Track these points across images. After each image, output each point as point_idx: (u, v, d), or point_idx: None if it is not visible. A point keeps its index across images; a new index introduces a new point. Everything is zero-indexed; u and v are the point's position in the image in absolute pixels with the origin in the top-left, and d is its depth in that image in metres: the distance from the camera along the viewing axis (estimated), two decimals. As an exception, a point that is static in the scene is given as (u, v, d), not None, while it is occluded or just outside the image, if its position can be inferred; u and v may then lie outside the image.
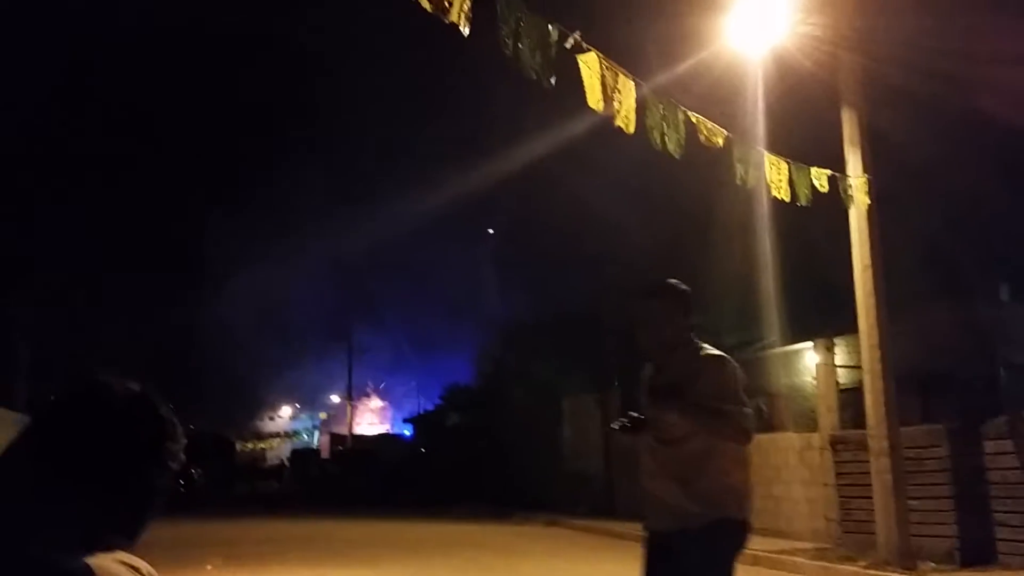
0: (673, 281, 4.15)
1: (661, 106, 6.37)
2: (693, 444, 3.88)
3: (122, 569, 1.30)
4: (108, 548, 1.32)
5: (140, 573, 1.33)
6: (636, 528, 15.31)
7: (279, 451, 69.77)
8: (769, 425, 15.37)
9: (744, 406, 3.97)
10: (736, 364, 4.10)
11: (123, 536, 1.38)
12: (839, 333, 12.95)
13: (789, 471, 13.96)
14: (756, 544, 12.56)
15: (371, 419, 61.75)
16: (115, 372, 1.52)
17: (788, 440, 14.18)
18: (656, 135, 6.30)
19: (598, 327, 24.52)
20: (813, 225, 13.56)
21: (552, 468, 23.19)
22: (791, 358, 15.12)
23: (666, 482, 3.95)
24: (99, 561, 1.26)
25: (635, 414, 4.01)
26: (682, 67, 9.72)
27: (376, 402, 64.61)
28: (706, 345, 4.11)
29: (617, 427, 3.99)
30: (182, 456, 1.50)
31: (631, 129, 5.85)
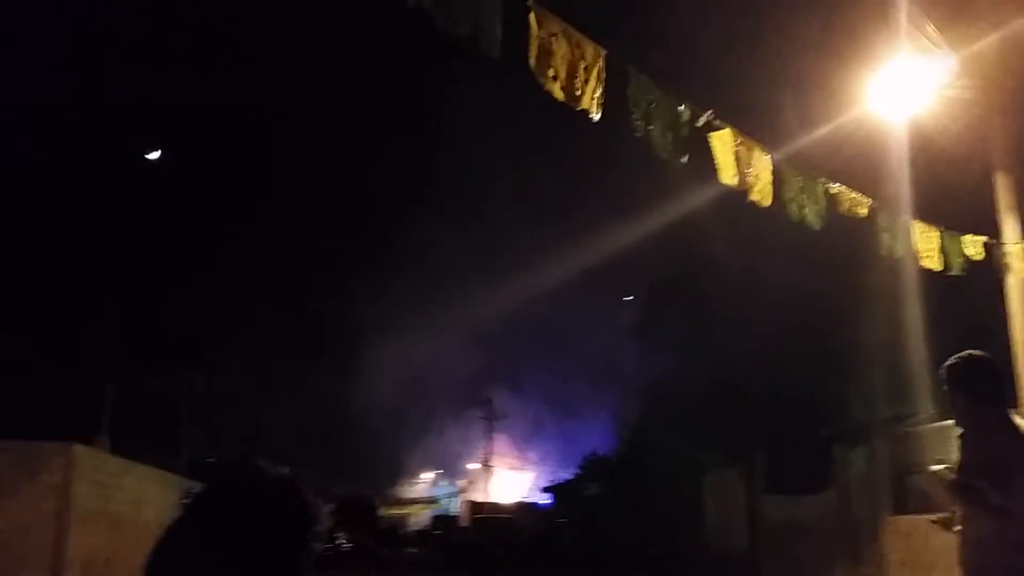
0: (954, 359, 4.09)
1: (799, 178, 6.29)
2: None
3: None
4: None
5: None
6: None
7: (420, 518, 70.52)
8: (929, 505, 14.44)
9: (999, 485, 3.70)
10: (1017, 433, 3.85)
11: None
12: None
13: (949, 555, 13.00)
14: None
15: (511, 484, 61.64)
16: (270, 452, 1.65)
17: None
18: (795, 207, 6.21)
19: (741, 397, 23.85)
20: (971, 294, 12.87)
21: (694, 545, 22.45)
22: (949, 433, 14.21)
23: None
24: None
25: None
26: (823, 133, 9.56)
27: (519, 469, 64.54)
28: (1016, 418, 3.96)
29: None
30: (324, 535, 1.61)
31: (767, 203, 5.80)
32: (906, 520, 14.42)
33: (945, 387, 4.02)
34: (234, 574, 1.47)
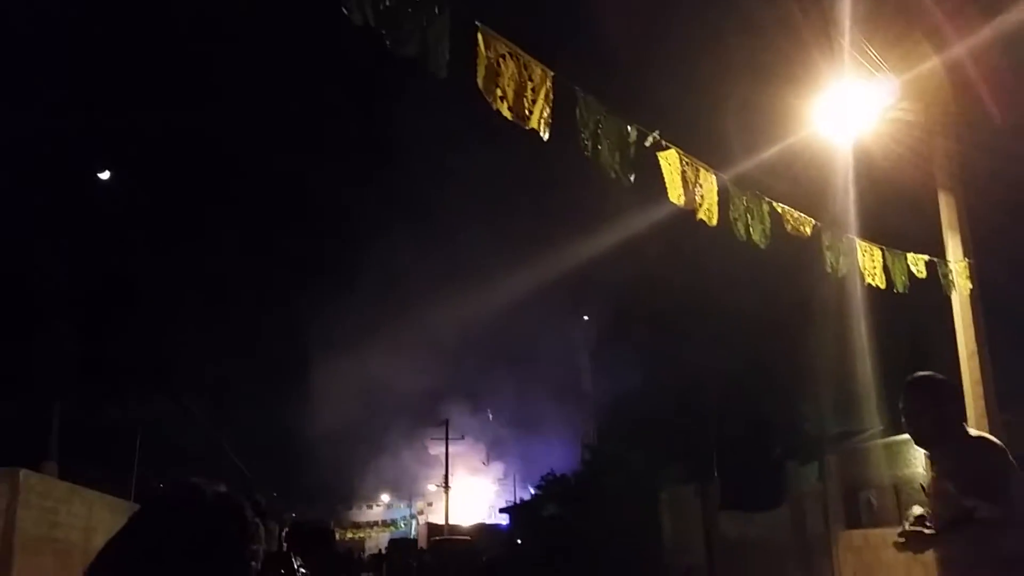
0: (930, 377, 4.15)
1: (745, 198, 6.42)
2: None
3: None
4: None
5: None
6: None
7: (377, 541, 69.77)
8: (879, 519, 14.68)
9: (993, 499, 3.69)
10: (1001, 448, 3.94)
11: None
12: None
13: (901, 568, 13.25)
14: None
15: (470, 505, 61.30)
16: (223, 477, 1.65)
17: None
18: (740, 227, 6.33)
19: (697, 416, 24.04)
20: (916, 312, 13.16)
21: (651, 561, 22.53)
22: (900, 448, 14.47)
23: None
24: None
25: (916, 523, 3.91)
26: (768, 154, 9.75)
27: (477, 490, 64.16)
28: (972, 431, 4.07)
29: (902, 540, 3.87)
30: (261, 554, 1.61)
31: (714, 222, 5.91)
32: (858, 534, 14.65)
33: (921, 405, 4.03)
34: None
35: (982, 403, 9.99)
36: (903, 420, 4.17)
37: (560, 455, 51.93)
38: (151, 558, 1.51)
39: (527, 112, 4.29)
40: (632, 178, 5.04)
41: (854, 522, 14.99)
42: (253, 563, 1.61)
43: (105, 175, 29.22)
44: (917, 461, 13.57)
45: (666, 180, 5.56)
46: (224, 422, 33.71)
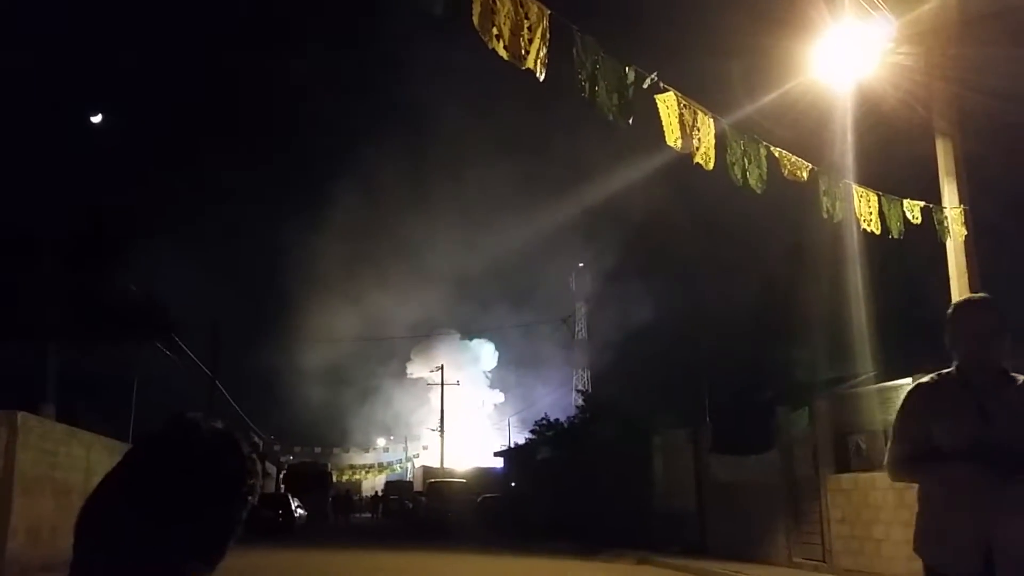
0: (988, 301, 3.85)
1: (742, 142, 6.38)
2: None
3: None
4: (189, 573, 1.44)
5: None
6: (731, 568, 14.97)
7: (374, 483, 70.73)
8: (869, 463, 14.89)
9: None
10: None
11: (202, 563, 1.51)
12: (938, 369, 12.50)
13: (890, 512, 13.48)
14: (854, 587, 12.16)
15: (465, 448, 61.98)
16: (206, 410, 1.66)
17: (886, 480, 13.67)
18: (737, 171, 6.30)
19: (690, 362, 24.24)
20: (911, 258, 13.20)
21: (642, 505, 22.88)
22: (890, 394, 14.61)
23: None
24: None
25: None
26: (768, 100, 9.66)
27: (473, 434, 64.74)
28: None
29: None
30: (259, 490, 1.61)
31: (711, 166, 5.88)
32: (847, 478, 14.86)
33: (1000, 324, 3.65)
34: (166, 526, 1.47)
35: (973, 349, 10.06)
36: (969, 343, 3.71)
37: (554, 400, 52.45)
38: (148, 492, 1.50)
39: (523, 52, 4.23)
40: (630, 121, 5.00)
41: (843, 466, 15.20)
42: (251, 498, 1.61)
43: (97, 118, 28.89)
44: (907, 406, 13.71)
45: (663, 123, 5.52)
46: (220, 366, 33.89)
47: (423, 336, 67.53)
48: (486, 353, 69.38)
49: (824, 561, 15.01)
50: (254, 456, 1.64)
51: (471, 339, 68.10)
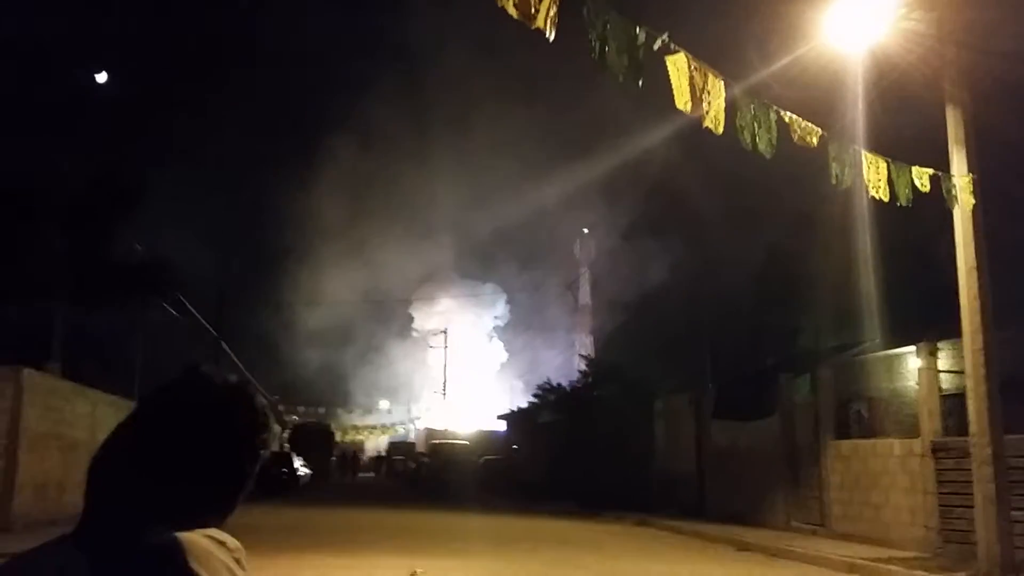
0: None
1: (752, 106, 6.33)
2: None
3: (210, 544, 1.40)
4: (200, 525, 1.44)
5: (226, 547, 1.43)
6: (727, 531, 15.08)
7: (377, 443, 71.27)
8: (869, 431, 14.96)
9: None
10: None
11: (214, 515, 1.50)
12: (943, 337, 12.52)
13: (889, 478, 13.57)
14: (854, 551, 12.28)
15: (468, 410, 62.30)
16: (217, 365, 1.66)
17: (888, 446, 13.77)
18: (747, 135, 6.26)
19: (694, 328, 24.26)
20: (918, 225, 13.13)
21: (643, 468, 23.06)
22: (893, 362, 14.66)
23: None
24: (188, 536, 1.37)
25: None
26: (779, 65, 9.56)
27: (476, 396, 64.94)
28: None
29: None
30: (272, 444, 1.61)
31: (720, 130, 5.83)
32: (847, 444, 14.94)
33: None
34: (178, 478, 1.47)
35: (978, 318, 10.06)
36: None
37: (558, 365, 52.59)
38: (160, 444, 1.50)
39: (533, 11, 4.18)
40: (640, 83, 4.95)
41: (843, 433, 15.28)
42: (263, 452, 1.62)
43: (102, 77, 28.69)
44: (909, 374, 13.76)
45: (673, 85, 5.46)
46: (224, 326, 33.99)
47: (427, 283, 67.33)
48: (495, 300, 69.27)
49: (822, 525, 15.14)
50: (267, 411, 1.64)
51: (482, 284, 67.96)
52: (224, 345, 33.92)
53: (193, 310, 29.16)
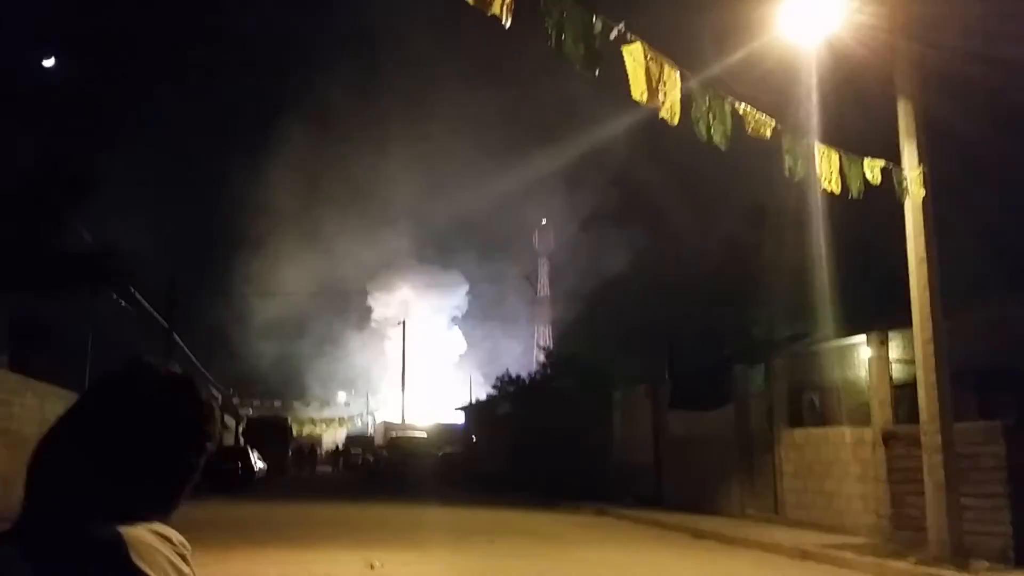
0: None
1: (707, 97, 6.36)
2: None
3: (153, 538, 1.36)
4: (144, 519, 1.40)
5: (171, 542, 1.39)
6: (684, 519, 15.20)
7: (335, 436, 70.84)
8: (822, 420, 15.20)
9: None
10: None
11: (159, 509, 1.46)
12: (894, 327, 12.74)
13: (841, 466, 13.80)
14: (806, 538, 12.47)
15: (426, 403, 62.20)
16: (163, 357, 1.61)
17: (840, 435, 14.01)
18: (702, 127, 6.29)
19: (652, 320, 24.45)
20: (868, 215, 13.34)
21: (601, 459, 23.20)
22: (845, 352, 14.90)
23: None
24: (132, 530, 1.33)
25: None
26: (734, 57, 9.62)
27: (434, 388, 64.81)
28: None
29: None
30: (218, 437, 1.57)
31: (675, 121, 5.85)
32: (800, 433, 15.17)
33: None
34: (121, 471, 1.42)
35: (928, 308, 10.25)
36: None
37: (516, 357, 52.74)
38: (102, 436, 1.45)
39: (490, -2, 4.15)
40: (597, 72, 4.94)
41: (797, 422, 15.51)
42: (208, 445, 1.57)
43: (50, 62, 28.04)
44: (861, 364, 14.00)
45: (629, 75, 5.46)
46: (176, 318, 33.47)
47: (385, 270, 66.87)
48: (454, 290, 69.02)
49: (776, 513, 15.36)
50: (212, 403, 1.60)
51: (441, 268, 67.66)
52: (176, 337, 33.39)
53: (143, 301, 28.64)
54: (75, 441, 1.45)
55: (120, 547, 1.30)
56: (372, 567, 9.93)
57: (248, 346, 65.42)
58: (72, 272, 22.42)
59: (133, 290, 27.29)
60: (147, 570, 1.31)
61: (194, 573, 1.40)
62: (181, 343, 34.26)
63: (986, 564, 9.71)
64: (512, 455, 30.85)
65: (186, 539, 1.44)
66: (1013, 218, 15.46)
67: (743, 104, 6.80)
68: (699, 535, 14.08)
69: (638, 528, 16.03)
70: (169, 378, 1.54)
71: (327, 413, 74.59)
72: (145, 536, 1.35)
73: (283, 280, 63.32)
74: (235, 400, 58.58)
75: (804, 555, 11.48)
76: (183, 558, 1.40)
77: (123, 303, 26.77)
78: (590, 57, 4.85)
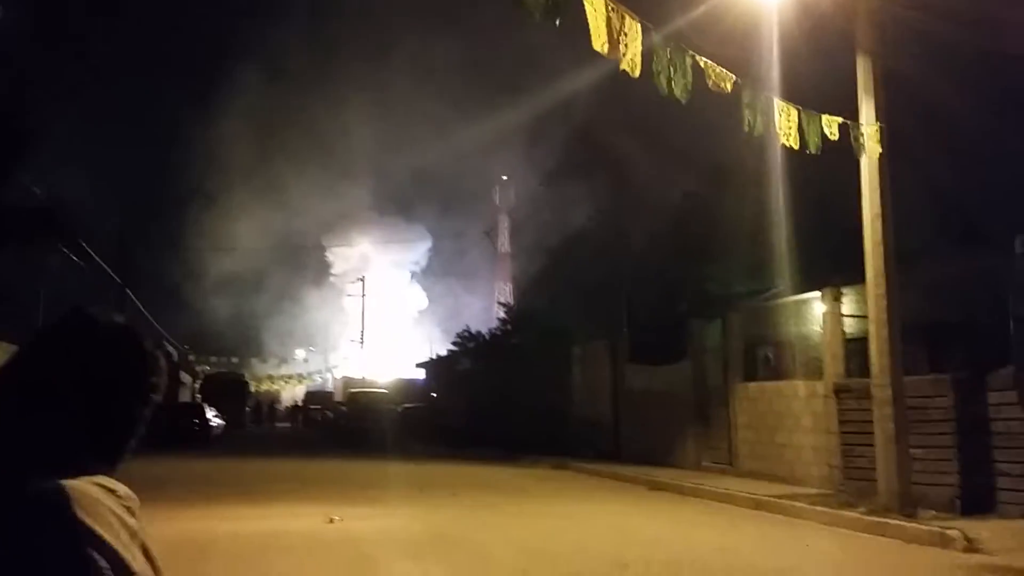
0: None
1: (668, 50, 6.32)
2: None
3: (98, 491, 1.32)
4: (89, 473, 1.36)
5: (116, 495, 1.35)
6: (641, 472, 15.41)
7: (294, 393, 70.63)
8: (776, 373, 15.46)
9: None
10: None
11: (103, 462, 1.41)
12: (848, 283, 12.93)
13: (794, 418, 14.08)
14: (760, 488, 12.75)
15: (386, 358, 62.17)
16: (105, 307, 1.55)
17: (793, 388, 14.27)
18: (663, 80, 6.25)
19: (611, 275, 24.55)
20: (826, 174, 13.45)
21: (561, 413, 23.43)
22: (800, 307, 15.12)
23: None
24: (76, 483, 1.29)
25: None
26: (696, 12, 9.57)
27: (394, 344, 64.70)
28: None
29: None
30: (163, 389, 1.52)
31: (636, 73, 5.81)
32: (754, 386, 15.43)
33: None
34: (62, 422, 1.38)
35: (881, 264, 10.41)
36: None
37: (476, 313, 52.80)
38: (43, 387, 1.41)
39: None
40: (557, 22, 4.86)
41: (751, 376, 15.77)
42: (153, 396, 1.54)
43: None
44: (815, 319, 14.22)
45: (590, 26, 5.39)
46: (129, 273, 32.96)
47: (343, 221, 66.11)
48: (415, 245, 68.55)
49: (731, 464, 15.67)
50: (156, 353, 1.55)
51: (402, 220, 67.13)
52: (129, 293, 32.89)
53: (95, 255, 28.10)
54: (14, 392, 1.40)
55: (62, 499, 1.27)
56: (331, 521, 9.95)
57: (204, 303, 64.68)
58: (20, 226, 21.90)
59: (83, 244, 26.76)
60: (91, 523, 1.28)
61: (141, 525, 1.37)
62: (135, 299, 33.77)
63: (933, 513, 10.01)
64: (473, 410, 31.02)
65: (140, 496, 1.40)
66: (962, 177, 15.68)
67: (704, 58, 6.76)
68: (656, 487, 14.33)
69: (597, 480, 16.26)
70: (110, 327, 1.50)
71: (285, 370, 74.26)
72: (89, 489, 1.32)
73: (239, 234, 62.46)
74: (191, 358, 58.00)
75: (758, 504, 11.74)
76: (129, 510, 1.36)
77: (74, 258, 26.26)
78: (550, 7, 4.77)
